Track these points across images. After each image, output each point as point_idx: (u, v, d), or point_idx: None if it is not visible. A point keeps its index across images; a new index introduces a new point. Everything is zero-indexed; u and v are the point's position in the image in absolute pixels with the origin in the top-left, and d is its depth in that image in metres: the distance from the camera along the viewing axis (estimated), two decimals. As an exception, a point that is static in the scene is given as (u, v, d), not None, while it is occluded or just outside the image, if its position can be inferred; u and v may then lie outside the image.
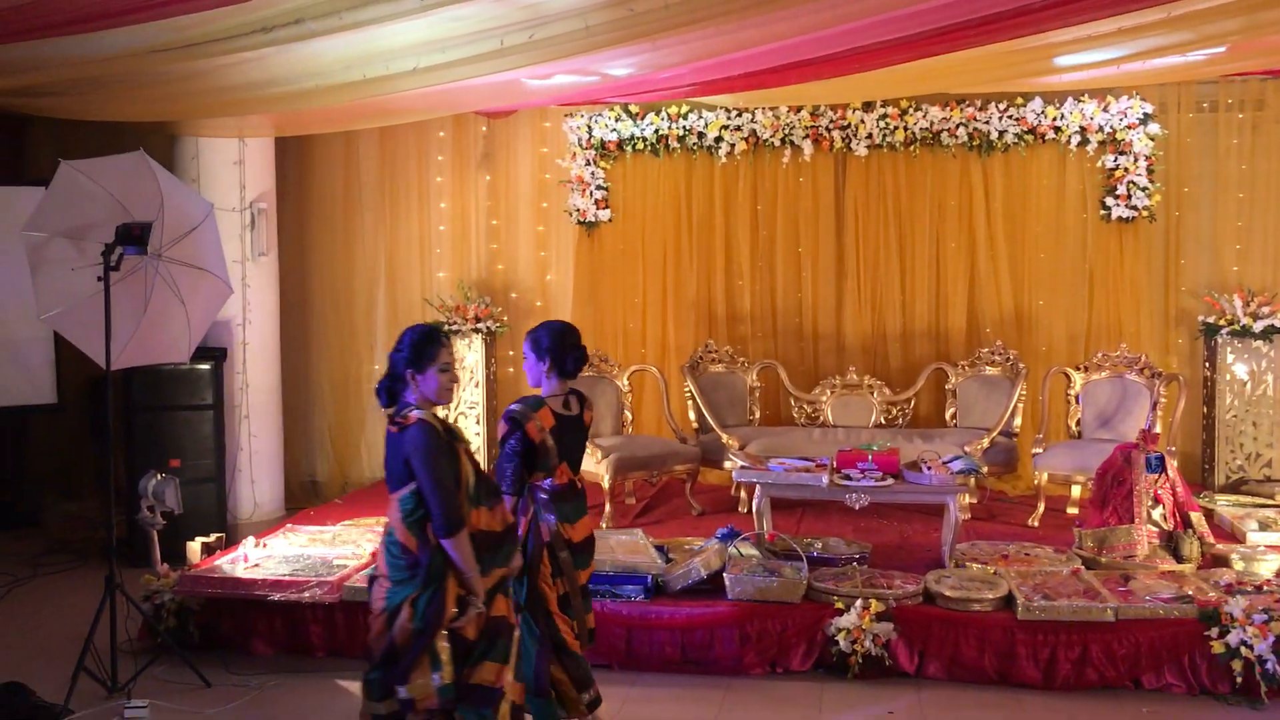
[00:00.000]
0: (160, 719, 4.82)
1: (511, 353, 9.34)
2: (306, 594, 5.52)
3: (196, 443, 7.42)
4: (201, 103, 6.66)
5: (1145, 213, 8.19)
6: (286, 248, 8.93)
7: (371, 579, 3.79)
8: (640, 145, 8.79)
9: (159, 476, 5.72)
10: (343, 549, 6.24)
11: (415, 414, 3.60)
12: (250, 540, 6.35)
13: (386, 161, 9.32)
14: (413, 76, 5.44)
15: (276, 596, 5.54)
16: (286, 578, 5.66)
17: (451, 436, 3.68)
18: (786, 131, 8.56)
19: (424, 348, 3.66)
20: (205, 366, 7.42)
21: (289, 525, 6.92)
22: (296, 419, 9.22)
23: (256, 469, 8.18)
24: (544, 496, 4.24)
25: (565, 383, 4.34)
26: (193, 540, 6.26)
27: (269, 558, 6.07)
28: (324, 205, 9.38)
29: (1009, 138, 8.32)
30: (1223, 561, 5.94)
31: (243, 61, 5.61)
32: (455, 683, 3.64)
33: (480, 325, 8.74)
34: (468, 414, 8.81)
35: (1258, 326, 7.80)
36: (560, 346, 4.30)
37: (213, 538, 6.36)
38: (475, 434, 8.80)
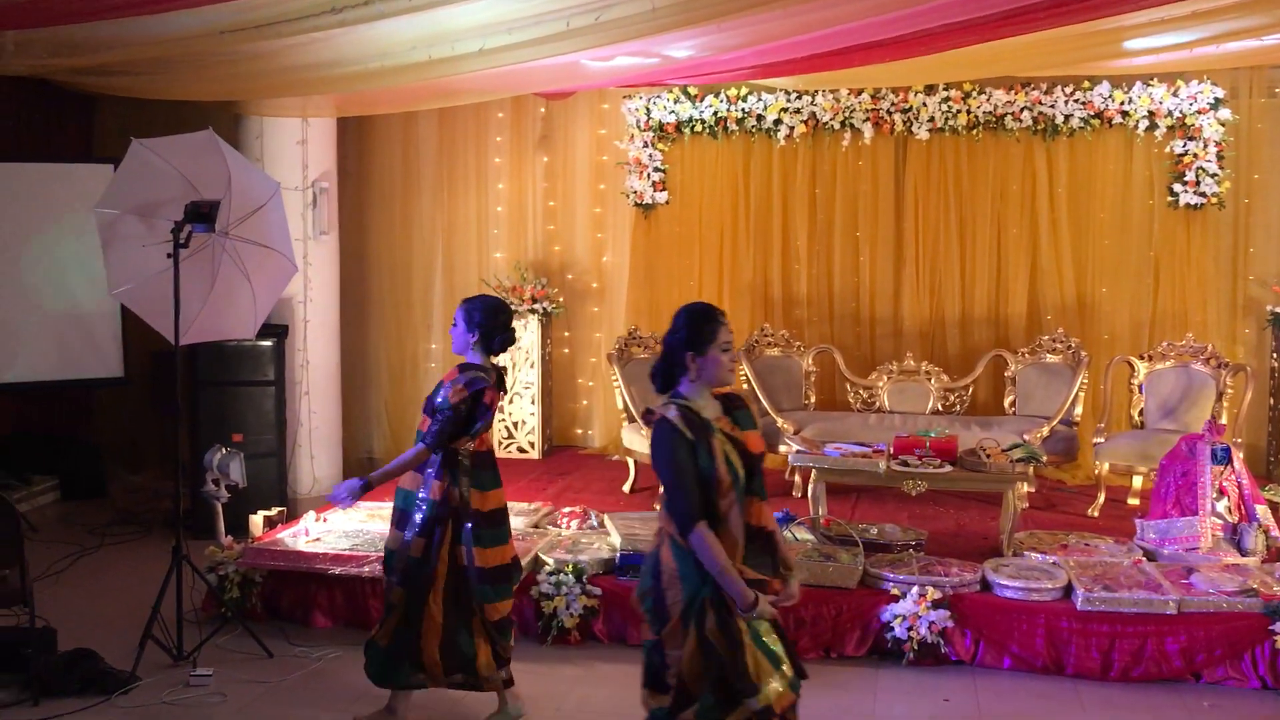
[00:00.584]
0: (224, 688, 4.92)
1: (567, 334, 9.39)
2: (366, 568, 5.59)
3: (258, 418, 7.54)
4: (268, 83, 6.75)
5: (1214, 200, 8.03)
6: (346, 227, 9.02)
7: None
8: (698, 127, 8.76)
9: (224, 451, 5.82)
10: (401, 525, 6.31)
11: (670, 410, 3.35)
12: (311, 514, 6.46)
13: (445, 142, 9.38)
14: (478, 58, 5.47)
15: (337, 570, 5.64)
16: (346, 552, 5.76)
17: (706, 428, 3.37)
18: (846, 114, 8.49)
19: (704, 326, 3.42)
20: (268, 343, 7.52)
21: (348, 501, 6.99)
22: (354, 396, 9.34)
23: (316, 444, 8.30)
24: (465, 463, 4.35)
25: (489, 358, 4.47)
26: (255, 514, 6.37)
27: (329, 532, 6.17)
28: (383, 185, 9.47)
29: (1074, 122, 8.19)
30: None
31: (311, 42, 5.66)
32: (797, 666, 3.45)
33: (536, 306, 8.79)
34: (522, 394, 8.88)
35: (1327, 317, 7.64)
36: (492, 324, 4.44)
37: (274, 511, 6.46)
38: (530, 414, 8.86)
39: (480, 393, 4.35)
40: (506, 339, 4.51)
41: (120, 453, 8.97)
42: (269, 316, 6.32)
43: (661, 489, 3.42)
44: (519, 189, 9.37)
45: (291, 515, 6.65)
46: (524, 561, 5.54)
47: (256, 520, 6.30)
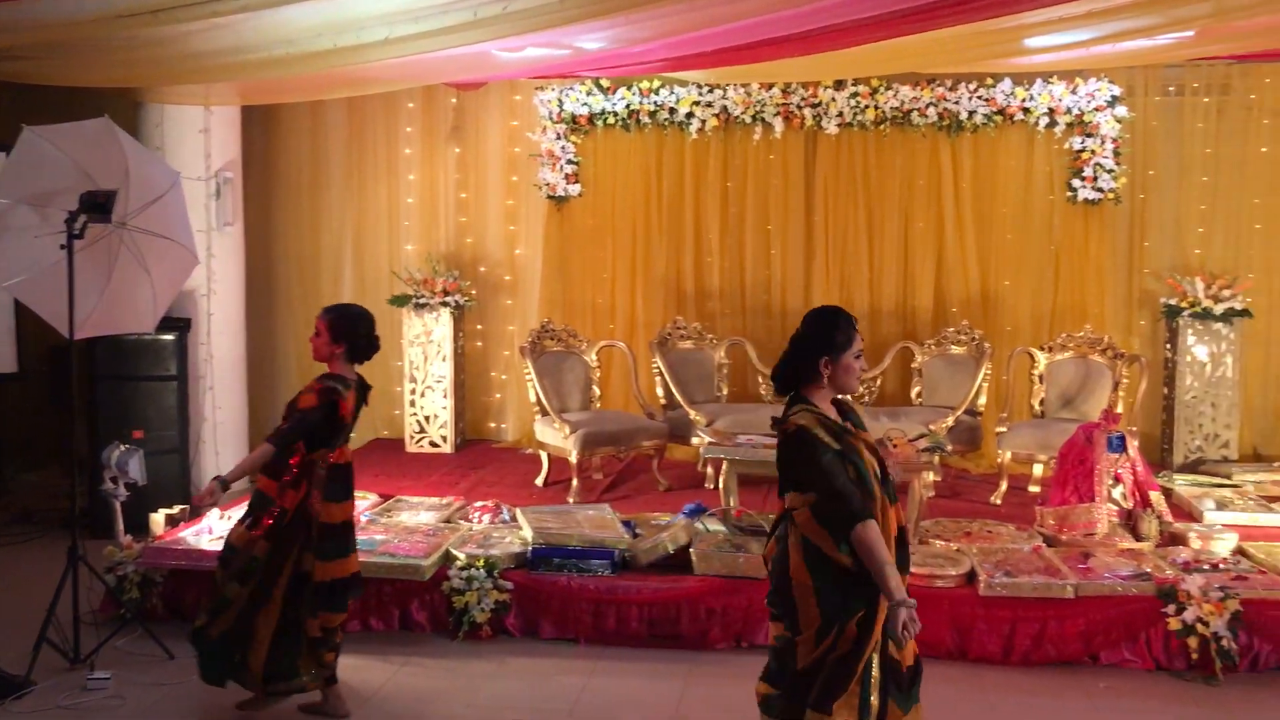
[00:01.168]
0: (123, 691, 4.80)
1: (480, 326, 9.32)
2: (272, 566, 5.48)
3: (160, 414, 7.35)
4: (168, 69, 6.55)
5: (1111, 195, 8.27)
6: (252, 218, 8.83)
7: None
8: (611, 120, 8.76)
9: (122, 448, 5.67)
10: (309, 522, 6.21)
11: (803, 418, 3.30)
12: (215, 512, 6.31)
13: (355, 132, 9.25)
14: (384, 46, 5.38)
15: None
16: (252, 550, 5.63)
17: (846, 433, 3.35)
18: (758, 109, 8.56)
19: (840, 332, 3.36)
20: (169, 337, 7.34)
21: (254, 497, 6.86)
22: (262, 391, 9.14)
23: (221, 440, 8.10)
24: (321, 473, 4.34)
25: (352, 366, 4.48)
26: (156, 512, 6.21)
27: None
28: (290, 175, 9.31)
29: (978, 118, 8.36)
30: (1180, 540, 6.03)
31: (212, 28, 5.52)
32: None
33: (448, 299, 8.70)
34: (434, 388, 8.79)
35: (1218, 309, 7.91)
36: (357, 333, 4.45)
37: (176, 510, 6.32)
38: (443, 408, 8.78)
39: (335, 404, 4.34)
40: (372, 347, 4.52)
41: (17, 450, 8.67)
42: (170, 309, 6.19)
43: (795, 495, 3.32)
44: (430, 180, 9.27)
45: (195, 513, 6.50)
46: (434, 557, 5.55)
47: (158, 518, 6.15)
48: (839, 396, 3.47)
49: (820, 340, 3.37)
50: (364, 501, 6.71)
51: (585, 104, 8.72)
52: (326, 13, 5.28)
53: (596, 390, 8.09)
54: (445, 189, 9.27)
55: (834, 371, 3.35)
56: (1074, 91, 8.22)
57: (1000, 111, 8.35)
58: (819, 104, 8.49)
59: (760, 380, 8.37)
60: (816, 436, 3.27)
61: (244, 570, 4.37)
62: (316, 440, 4.35)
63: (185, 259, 5.47)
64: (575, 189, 8.86)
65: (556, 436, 7.35)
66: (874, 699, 3.29)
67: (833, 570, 3.25)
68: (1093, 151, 8.24)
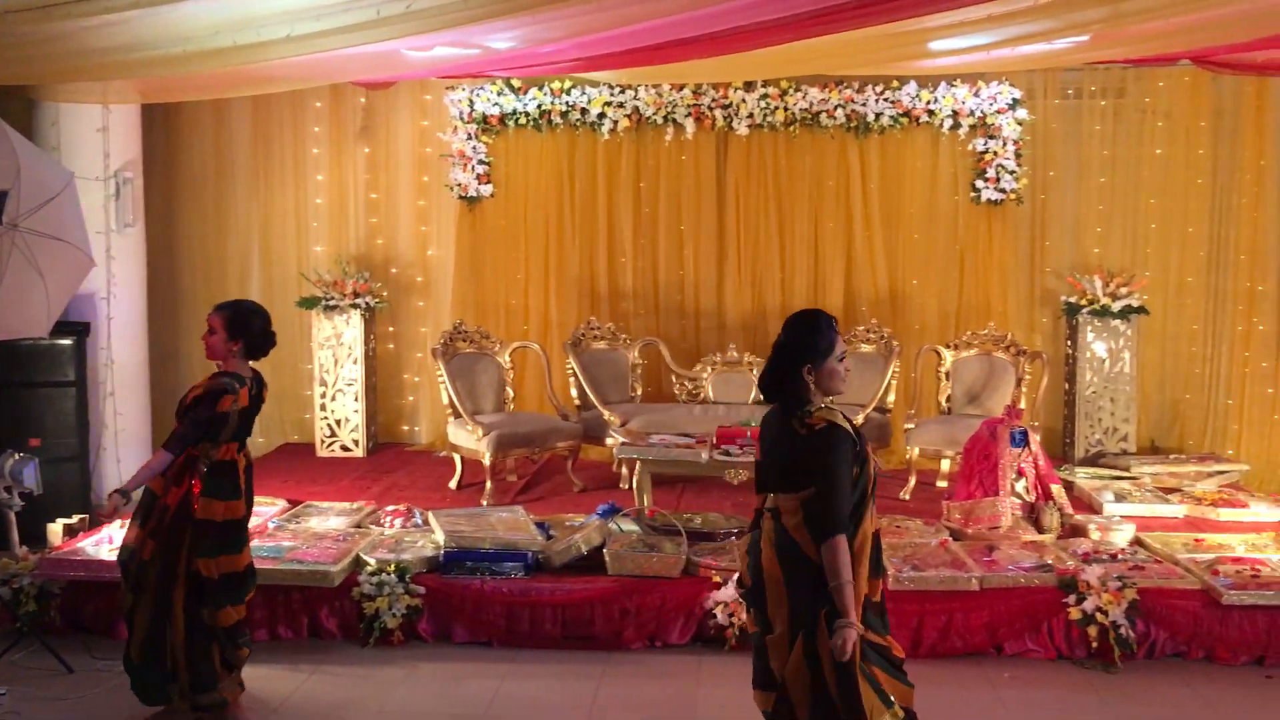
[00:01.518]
0: (19, 706, 4.64)
1: (392, 328, 9.22)
2: (176, 576, 5.36)
3: (58, 421, 7.11)
4: (62, 66, 6.34)
5: (1013, 195, 8.47)
6: (154, 219, 8.62)
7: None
8: (523, 120, 8.72)
9: (16, 456, 5.46)
10: (214, 529, 6.07)
11: (838, 417, 3.29)
12: (117, 522, 6.13)
13: (260, 131, 9.08)
14: (285, 45, 5.28)
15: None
16: (154, 559, 5.49)
17: (861, 435, 3.37)
18: (669, 109, 8.60)
19: (820, 337, 3.34)
20: (67, 341, 7.11)
21: (158, 506, 6.70)
22: (166, 396, 8.87)
23: (122, 448, 7.88)
24: (204, 470, 4.30)
25: (248, 364, 4.45)
26: (54, 522, 6.03)
27: (136, 539, 5.87)
28: (194, 176, 9.11)
29: (885, 120, 8.50)
30: (1081, 531, 6.21)
31: (106, 24, 5.36)
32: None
33: (359, 301, 8.58)
34: (345, 391, 8.66)
35: (1116, 306, 8.14)
36: (254, 328, 4.42)
37: (75, 519, 6.14)
38: (354, 411, 8.66)
39: (218, 399, 4.27)
40: (269, 342, 4.48)
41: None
42: (68, 313, 6.01)
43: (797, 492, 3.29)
44: (339, 181, 9.14)
45: (95, 522, 6.32)
46: (344, 563, 5.47)
47: (55, 528, 5.97)
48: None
49: (802, 347, 3.34)
50: (272, 508, 6.59)
51: (496, 104, 8.67)
52: (225, 10, 5.17)
53: (510, 392, 8.05)
54: (355, 189, 9.15)
55: (818, 377, 3.33)
56: (976, 94, 8.40)
57: (906, 114, 8.50)
58: (729, 105, 8.56)
59: (674, 379, 8.40)
60: (846, 435, 3.27)
61: (137, 577, 4.28)
62: (201, 436, 4.28)
63: (80, 261, 5.31)
64: (487, 189, 8.80)
65: (470, 439, 7.30)
66: (885, 684, 3.30)
67: (805, 567, 3.26)
68: (995, 153, 8.43)
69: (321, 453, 8.69)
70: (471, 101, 8.69)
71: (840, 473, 3.23)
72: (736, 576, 3.55)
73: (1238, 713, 4.73)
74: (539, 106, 8.66)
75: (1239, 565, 5.52)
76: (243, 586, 4.42)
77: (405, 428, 9.32)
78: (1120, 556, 5.71)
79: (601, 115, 8.63)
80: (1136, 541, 6.07)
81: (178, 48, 5.51)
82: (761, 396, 3.49)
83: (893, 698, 3.29)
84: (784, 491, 3.33)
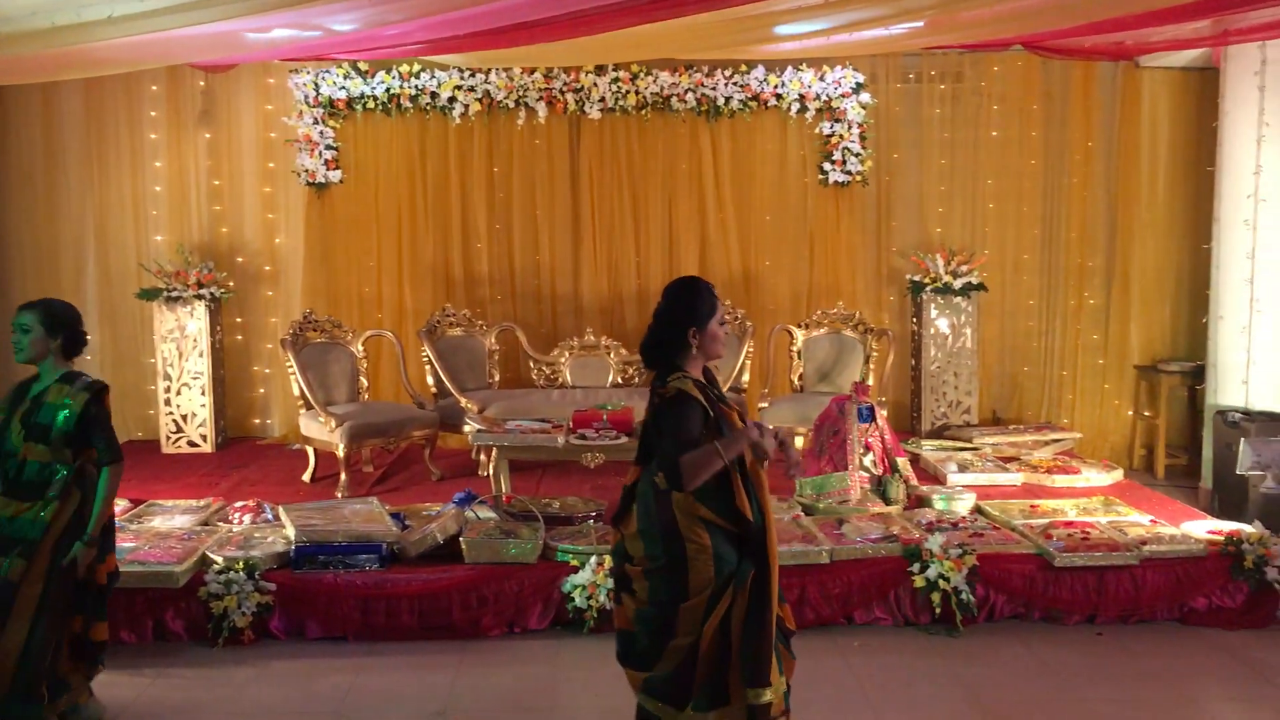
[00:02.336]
0: None
1: (240, 319, 8.95)
2: (7, 583, 5.11)
3: (-125, 425, 6.70)
4: None
5: (859, 178, 8.69)
6: (-22, 209, 8.22)
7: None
8: (371, 104, 8.55)
9: None
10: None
11: (686, 383, 3.33)
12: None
13: (93, 116, 8.69)
14: (109, 26, 5.05)
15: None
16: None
17: (722, 400, 3.45)
18: (521, 93, 8.54)
19: (704, 300, 3.41)
20: (-118, 341, 6.70)
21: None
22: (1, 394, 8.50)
23: (-50, 451, 7.49)
24: (92, 474, 4.23)
25: (69, 362, 4.29)
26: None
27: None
28: (21, 162, 8.68)
29: (735, 103, 8.61)
30: (926, 502, 6.43)
31: (-88, 4, 5.06)
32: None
33: (204, 291, 8.31)
34: (191, 384, 8.38)
35: (958, 284, 8.44)
36: (69, 326, 4.24)
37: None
38: (201, 405, 8.39)
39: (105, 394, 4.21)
40: (84, 340, 4.31)
41: None
42: (-122, 311, 5.65)
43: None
44: (179, 167, 8.81)
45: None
46: (189, 562, 5.31)
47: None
48: (708, 365, 3.53)
49: (685, 311, 3.40)
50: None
51: (343, 87, 8.48)
52: (44, -11, 4.93)
53: (364, 381, 7.90)
54: (196, 176, 8.83)
55: (701, 340, 3.40)
56: (822, 79, 8.58)
57: (755, 97, 8.63)
58: (581, 89, 8.54)
59: (532, 365, 8.39)
60: (694, 399, 3.32)
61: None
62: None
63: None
64: (336, 175, 8.61)
65: (322, 430, 7.15)
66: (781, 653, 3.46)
67: (720, 531, 3.33)
68: (841, 136, 8.63)
69: (167, 449, 8.39)
70: (317, 85, 8.48)
71: (686, 432, 3.28)
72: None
73: (1068, 666, 4.98)
74: (387, 90, 8.50)
75: (1070, 529, 5.80)
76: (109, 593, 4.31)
77: (256, 421, 9.07)
78: (962, 525, 5.94)
79: (452, 99, 8.52)
80: (977, 510, 6.33)
81: (-8, 29, 5.23)
82: (642, 366, 3.52)
83: (781, 667, 3.42)
84: (647, 462, 3.43)
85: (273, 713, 4.54)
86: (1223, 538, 5.67)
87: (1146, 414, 8.72)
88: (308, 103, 8.51)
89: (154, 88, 8.68)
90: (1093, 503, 6.49)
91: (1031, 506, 6.36)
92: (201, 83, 8.72)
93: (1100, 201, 8.87)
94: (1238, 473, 5.86)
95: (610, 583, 5.26)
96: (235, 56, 7.75)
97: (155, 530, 5.88)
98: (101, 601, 4.26)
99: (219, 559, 5.34)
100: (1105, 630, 5.41)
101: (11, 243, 8.68)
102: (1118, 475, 7.27)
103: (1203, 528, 5.98)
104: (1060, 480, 7.05)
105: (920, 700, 4.64)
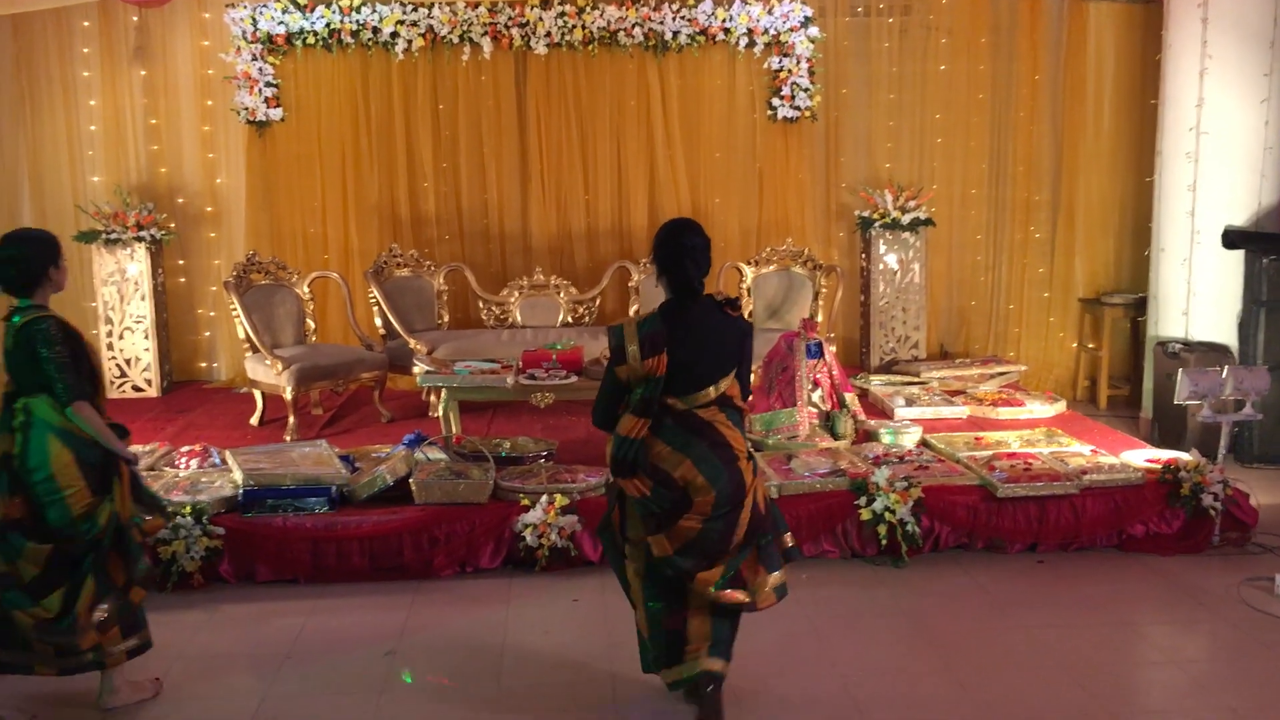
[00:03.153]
0: None
1: (182, 262, 8.80)
2: None
3: None
4: None
5: (808, 113, 8.64)
6: (-95, 151, 7.98)
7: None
8: (311, 40, 8.36)
9: None
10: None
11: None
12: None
13: (22, 53, 8.43)
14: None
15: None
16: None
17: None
18: (465, 28, 8.38)
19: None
20: None
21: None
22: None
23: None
24: None
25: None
26: None
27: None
28: (-51, 103, 8.41)
29: (683, 38, 8.50)
30: (874, 436, 6.51)
31: None
32: None
33: (144, 233, 8.14)
34: (134, 328, 8.26)
35: (906, 219, 8.47)
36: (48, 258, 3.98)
37: None
38: (145, 350, 8.27)
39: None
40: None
41: None
42: None
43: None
44: (114, 106, 8.58)
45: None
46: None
47: None
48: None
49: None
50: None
51: (282, 22, 8.27)
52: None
53: (311, 324, 7.81)
54: (132, 115, 8.61)
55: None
56: (770, 12, 8.49)
57: (703, 32, 8.53)
58: (527, 24, 8.40)
59: (482, 305, 8.34)
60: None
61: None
62: None
63: None
64: (277, 114, 8.42)
65: (269, 373, 7.08)
66: None
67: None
68: (789, 71, 8.56)
69: (112, 394, 8.26)
70: (255, 20, 8.26)
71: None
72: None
73: (1010, 594, 5.10)
74: (328, 25, 8.30)
75: (1013, 460, 5.90)
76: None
77: (202, 365, 8.97)
78: (908, 458, 6.02)
79: (395, 35, 8.35)
80: (923, 443, 6.42)
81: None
82: (699, 289, 3.81)
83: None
84: (721, 379, 3.79)
85: (224, 656, 4.54)
86: (1161, 466, 5.80)
87: (1090, 346, 8.86)
88: (245, 38, 8.30)
89: (85, 24, 8.43)
90: (1035, 434, 6.61)
91: (976, 439, 6.46)
92: (135, 18, 8.47)
93: (1047, 135, 8.91)
94: (1175, 402, 5.97)
95: (562, 520, 5.32)
96: (169, -10, 7.54)
97: (100, 477, 5.80)
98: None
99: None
100: (1046, 559, 5.54)
101: (-58, 185, 8.46)
102: (1061, 407, 7.39)
103: (1142, 457, 6.11)
104: (1004, 413, 7.16)
105: (867, 630, 4.73)
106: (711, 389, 3.74)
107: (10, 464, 3.92)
